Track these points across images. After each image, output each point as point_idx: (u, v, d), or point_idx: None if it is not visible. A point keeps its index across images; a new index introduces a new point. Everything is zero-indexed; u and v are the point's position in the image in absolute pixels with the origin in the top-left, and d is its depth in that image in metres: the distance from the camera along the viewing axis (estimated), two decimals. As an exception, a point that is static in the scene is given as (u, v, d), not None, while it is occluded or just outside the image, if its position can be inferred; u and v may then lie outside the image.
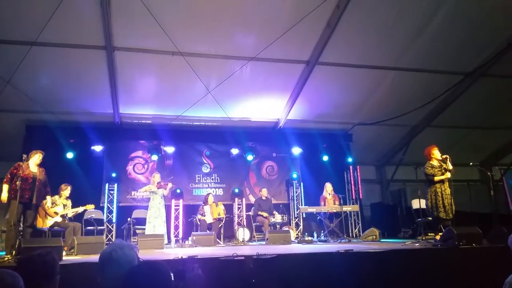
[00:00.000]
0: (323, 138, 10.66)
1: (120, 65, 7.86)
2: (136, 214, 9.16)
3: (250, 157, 10.24)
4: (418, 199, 8.60)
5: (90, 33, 7.11)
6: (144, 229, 8.19)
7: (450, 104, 10.11)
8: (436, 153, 7.03)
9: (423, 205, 7.78)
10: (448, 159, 6.93)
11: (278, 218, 9.24)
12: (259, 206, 9.58)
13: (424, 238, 7.32)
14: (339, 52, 8.20)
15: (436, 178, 6.85)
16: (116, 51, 7.55)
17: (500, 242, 5.63)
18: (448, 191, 6.89)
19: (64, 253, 5.43)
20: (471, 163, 8.26)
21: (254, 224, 9.38)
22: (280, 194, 10.70)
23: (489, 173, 7.98)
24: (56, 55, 7.39)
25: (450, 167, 6.93)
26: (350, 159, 10.92)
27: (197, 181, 10.32)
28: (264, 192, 9.79)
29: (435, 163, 6.96)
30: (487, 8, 7.46)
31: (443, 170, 6.87)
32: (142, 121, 9.68)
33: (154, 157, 9.73)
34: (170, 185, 8.41)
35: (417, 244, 6.67)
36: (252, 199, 10.30)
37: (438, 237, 6.63)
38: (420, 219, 7.83)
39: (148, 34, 7.26)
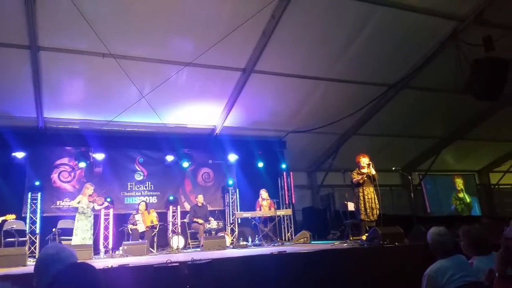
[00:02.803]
0: (259, 145, 10.75)
1: (45, 66, 7.37)
2: (62, 224, 8.68)
3: (185, 164, 10.10)
4: (346, 202, 8.98)
5: (13, 31, 6.59)
6: (71, 239, 7.80)
7: (375, 113, 10.50)
8: (362, 160, 7.42)
9: (351, 208, 8.31)
10: (371, 165, 7.27)
11: (213, 224, 9.19)
12: (195, 213, 9.48)
13: (351, 239, 7.54)
14: (274, 61, 8.29)
15: (355, 180, 7.25)
16: (41, 51, 7.04)
17: (419, 240, 5.97)
18: (370, 195, 7.20)
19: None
20: (393, 168, 8.83)
21: (189, 231, 9.27)
22: (216, 201, 10.66)
23: (409, 177, 8.50)
24: (-26, 54, 6.84)
25: (373, 172, 7.24)
26: (284, 166, 11.09)
27: (129, 189, 10.00)
28: (200, 199, 9.72)
29: (364, 170, 7.30)
30: (408, 25, 7.85)
31: (365, 177, 7.21)
32: (69, 126, 9.13)
33: (82, 164, 9.32)
34: (105, 204, 8.24)
35: (345, 245, 6.89)
36: (188, 207, 10.14)
37: (364, 237, 6.86)
38: (347, 221, 8.13)
39: (77, 34, 6.86)
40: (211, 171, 10.86)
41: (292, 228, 10.47)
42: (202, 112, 9.63)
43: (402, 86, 9.63)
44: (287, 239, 10.24)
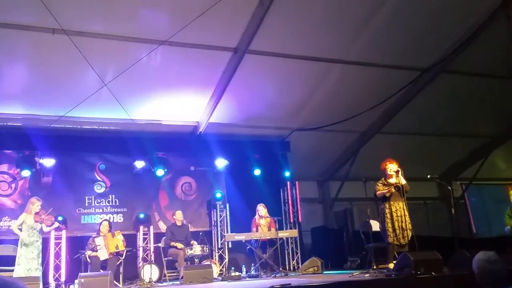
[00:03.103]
0: (255, 147, 10.78)
1: (-25, 46, 7.46)
2: (0, 250, 8.63)
3: (160, 172, 10.16)
4: (368, 220, 8.87)
5: None
6: (12, 270, 7.75)
7: (404, 105, 10.56)
8: (389, 166, 7.53)
9: (376, 228, 8.22)
10: (400, 173, 7.35)
11: (197, 249, 9.19)
12: (172, 235, 9.49)
13: (375, 268, 7.56)
14: (275, 39, 8.33)
15: (379, 193, 7.32)
16: (-31, 26, 7.11)
17: (463, 268, 6.01)
18: (400, 211, 7.30)
19: None
20: (428, 176, 8.70)
21: (166, 258, 9.30)
22: (199, 219, 10.72)
23: (449, 188, 8.43)
24: None
25: (403, 181, 7.32)
26: (287, 174, 11.09)
27: (87, 204, 10.03)
28: (179, 217, 9.73)
29: (392, 179, 7.42)
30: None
31: (393, 189, 7.33)
32: (8, 124, 9.14)
33: (26, 173, 9.31)
34: (56, 224, 8.21)
35: (367, 275, 6.91)
36: (163, 227, 10.16)
37: (391, 266, 6.97)
38: (369, 245, 8.06)
39: (19, 4, 6.85)
40: (194, 180, 10.86)
41: (299, 254, 10.53)
42: (181, 105, 9.65)
43: (438, 70, 9.72)
44: (292, 268, 10.29)
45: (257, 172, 10.86)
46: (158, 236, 9.87)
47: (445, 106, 10.84)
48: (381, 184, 7.42)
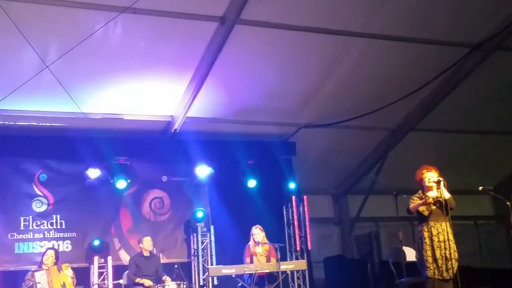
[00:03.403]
0: (249, 150, 10.81)
1: None
2: None
3: (121, 184, 10.14)
4: (401, 247, 8.79)
5: None
6: None
7: (448, 94, 10.52)
8: (427, 176, 7.48)
9: (411, 257, 8.24)
10: (442, 184, 7.30)
11: (171, 287, 9.07)
12: (138, 269, 9.43)
13: (409, 311, 7.83)
14: (275, 4, 8.29)
15: (413, 207, 7.31)
16: None
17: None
18: (443, 235, 7.24)
19: None
20: (480, 188, 8.36)
21: None
22: (174, 247, 10.70)
23: (508, 203, 8.03)
24: None
25: (446, 195, 7.26)
26: (292, 185, 11.08)
27: (23, 228, 9.89)
28: (147, 244, 9.67)
29: (432, 193, 7.39)
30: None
31: (433, 205, 7.30)
32: None
33: None
34: None
35: (400, 320, 6.98)
36: (126, 258, 10.15)
37: (432, 309, 6.99)
38: (402, 280, 8.10)
39: None
40: (167, 195, 10.84)
41: None
42: (150, 94, 9.61)
43: (493, 46, 9.70)
44: (299, 311, 10.42)
45: (252, 183, 10.84)
46: (118, 270, 9.81)
47: (502, 94, 10.79)
48: (417, 198, 7.41)
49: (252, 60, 9.33)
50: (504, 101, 11.14)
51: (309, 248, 10.99)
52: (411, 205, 7.36)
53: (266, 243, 9.63)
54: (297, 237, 10.99)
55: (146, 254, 9.62)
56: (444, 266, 7.15)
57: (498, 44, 9.71)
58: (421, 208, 7.33)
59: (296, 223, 11.06)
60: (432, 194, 7.35)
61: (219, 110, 10.21)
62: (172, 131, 10.28)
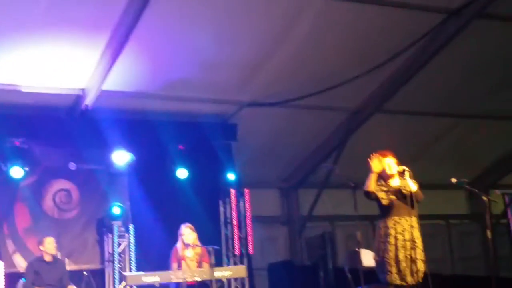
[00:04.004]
0: (179, 133, 10.53)
1: None
2: None
3: (17, 172, 9.52)
4: (358, 250, 8.65)
5: None
6: None
7: (421, 68, 10.23)
8: (388, 163, 7.24)
9: (369, 262, 8.10)
10: (407, 174, 7.05)
11: None
12: (37, 277, 8.91)
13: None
14: None
15: (369, 185, 7.09)
16: None
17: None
18: (408, 233, 6.97)
19: None
20: (454, 180, 8.05)
21: None
22: (84, 250, 10.25)
23: (485, 198, 7.83)
24: None
25: (412, 187, 6.99)
26: (232, 176, 10.93)
27: None
28: (50, 247, 9.06)
29: (395, 181, 7.16)
30: None
31: (398, 195, 7.05)
32: None
33: None
34: None
35: None
36: (23, 263, 9.57)
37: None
38: None
39: None
40: (75, 187, 10.35)
41: None
42: (54, 61, 9.04)
43: (472, 13, 9.33)
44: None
45: (182, 173, 10.49)
46: (13, 278, 9.41)
47: (483, 71, 10.59)
48: (378, 189, 7.14)
49: (184, 22, 8.88)
50: (485, 79, 10.96)
51: (251, 252, 10.92)
52: (367, 182, 7.08)
53: (197, 246, 9.13)
54: (236, 239, 10.88)
55: (48, 258, 9.00)
56: (408, 269, 6.81)
57: (478, 11, 9.35)
58: (381, 195, 7.01)
59: (235, 222, 10.92)
60: (395, 183, 7.05)
61: (142, 83, 9.74)
62: (83, 107, 9.80)
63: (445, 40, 9.85)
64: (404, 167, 7.04)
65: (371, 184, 7.04)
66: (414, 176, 7.00)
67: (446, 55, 10.11)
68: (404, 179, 7.00)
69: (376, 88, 10.75)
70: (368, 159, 7.22)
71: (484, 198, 7.74)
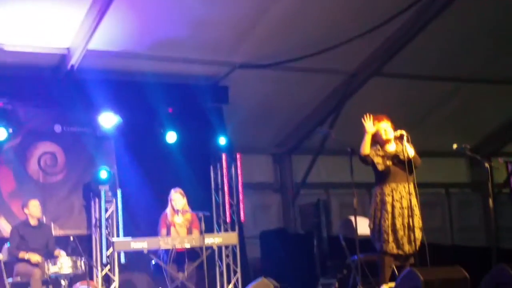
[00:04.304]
0: (168, 95, 10.46)
1: None
2: None
3: (0, 134, 9.49)
4: (351, 218, 8.61)
5: None
6: None
7: (421, 29, 10.15)
8: (384, 127, 7.28)
9: (364, 230, 7.96)
10: (405, 138, 7.06)
11: (65, 265, 8.73)
12: (22, 241, 8.97)
13: (363, 292, 7.89)
14: None
15: (364, 149, 7.13)
16: None
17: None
18: (406, 201, 7.02)
19: None
20: (455, 146, 8.13)
21: (10, 281, 8.97)
22: (70, 215, 10.22)
23: (487, 165, 7.91)
24: None
25: (410, 152, 7.04)
26: (223, 141, 10.88)
27: None
28: (35, 210, 9.10)
29: (391, 146, 7.21)
30: None
31: (394, 160, 7.13)
32: None
33: None
34: None
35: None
36: (7, 227, 9.62)
37: (389, 288, 7.00)
38: (355, 258, 8.08)
39: None
40: (60, 149, 10.28)
41: (238, 274, 10.32)
42: (38, 18, 8.97)
43: None
44: (226, 297, 10.27)
45: (171, 137, 10.47)
46: None
47: (488, 32, 10.48)
48: (374, 154, 7.19)
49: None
50: (488, 42, 10.86)
51: (242, 219, 10.94)
52: (362, 145, 7.17)
53: (187, 211, 9.19)
54: (227, 206, 10.84)
55: (33, 222, 9.04)
56: (405, 238, 6.92)
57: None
58: (376, 160, 7.10)
59: (226, 188, 10.90)
60: (391, 148, 7.15)
61: (130, 42, 9.67)
62: (69, 67, 9.74)
63: (445, 3, 9.79)
64: (402, 132, 7.04)
65: (366, 147, 7.06)
66: (413, 143, 7.04)
67: (447, 16, 10.05)
68: (401, 144, 7.03)
69: (374, 50, 10.77)
70: (362, 120, 7.22)
71: (486, 164, 7.84)
